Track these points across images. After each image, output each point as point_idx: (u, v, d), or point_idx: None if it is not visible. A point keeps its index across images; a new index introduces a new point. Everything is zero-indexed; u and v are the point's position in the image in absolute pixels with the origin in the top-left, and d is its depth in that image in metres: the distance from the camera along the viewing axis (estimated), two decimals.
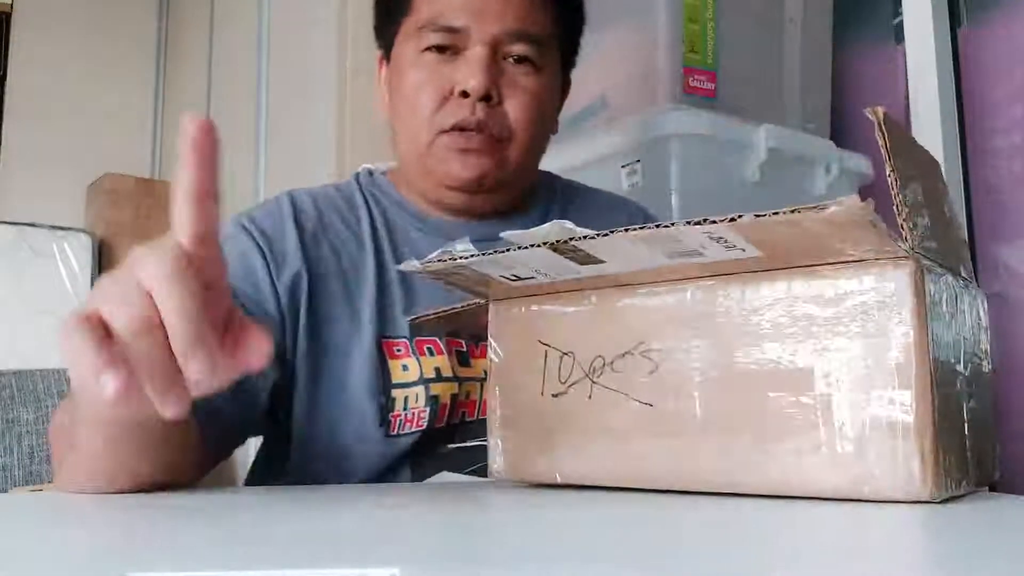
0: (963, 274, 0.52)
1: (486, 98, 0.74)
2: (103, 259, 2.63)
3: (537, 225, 0.56)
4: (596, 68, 1.22)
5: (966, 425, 0.47)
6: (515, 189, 0.81)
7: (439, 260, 0.53)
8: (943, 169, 1.13)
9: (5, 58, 2.73)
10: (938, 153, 1.13)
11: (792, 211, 0.41)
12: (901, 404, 0.43)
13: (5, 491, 1.10)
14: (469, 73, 0.74)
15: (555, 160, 1.17)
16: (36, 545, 0.38)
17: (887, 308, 0.44)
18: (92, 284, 2.57)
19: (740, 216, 0.42)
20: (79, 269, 2.57)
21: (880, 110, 0.43)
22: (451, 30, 0.75)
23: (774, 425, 0.46)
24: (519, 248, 0.50)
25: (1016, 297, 1.16)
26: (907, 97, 1.22)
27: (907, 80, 1.22)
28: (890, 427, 0.43)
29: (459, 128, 0.74)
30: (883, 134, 0.43)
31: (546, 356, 0.56)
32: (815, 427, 0.45)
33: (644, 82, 1.17)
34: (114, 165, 2.73)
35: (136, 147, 2.90)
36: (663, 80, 1.15)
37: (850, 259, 0.45)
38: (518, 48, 0.76)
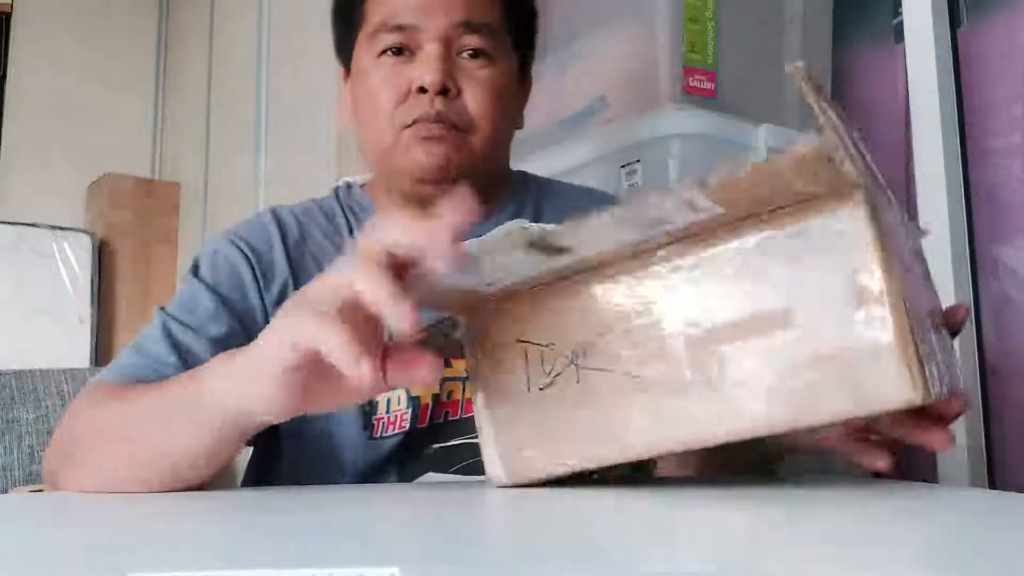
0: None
1: (444, 91, 0.76)
2: (103, 259, 2.64)
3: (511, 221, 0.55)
4: (596, 68, 1.22)
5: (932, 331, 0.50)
6: (483, 180, 0.81)
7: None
8: (943, 168, 1.13)
9: (5, 58, 2.73)
10: (938, 153, 1.13)
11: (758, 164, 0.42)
12: (880, 320, 0.44)
13: (5, 491, 1.10)
14: (425, 69, 0.76)
15: (555, 160, 1.17)
16: (36, 545, 0.38)
17: (849, 235, 0.45)
18: (92, 284, 2.57)
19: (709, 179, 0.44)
20: (79, 269, 2.57)
21: (800, 66, 0.43)
22: (402, 28, 0.77)
23: (766, 367, 0.47)
24: (486, 257, 0.50)
25: (1016, 297, 1.15)
26: (907, 97, 1.22)
27: (907, 80, 1.22)
28: (873, 345, 0.44)
29: (420, 121, 0.76)
30: (811, 89, 0.43)
31: (526, 354, 0.56)
32: (803, 363, 0.46)
33: (644, 82, 1.17)
34: (114, 165, 2.73)
35: (136, 147, 2.90)
36: (663, 80, 1.15)
37: (806, 197, 0.46)
38: (470, 40, 0.78)
